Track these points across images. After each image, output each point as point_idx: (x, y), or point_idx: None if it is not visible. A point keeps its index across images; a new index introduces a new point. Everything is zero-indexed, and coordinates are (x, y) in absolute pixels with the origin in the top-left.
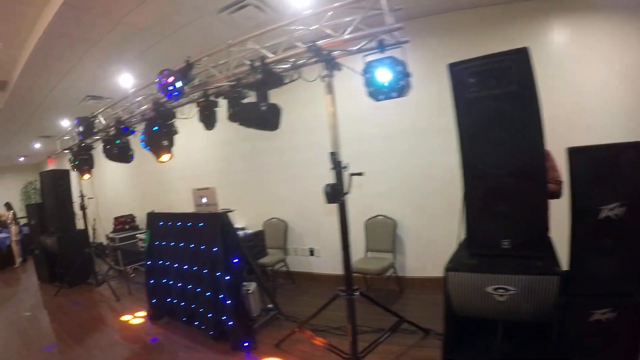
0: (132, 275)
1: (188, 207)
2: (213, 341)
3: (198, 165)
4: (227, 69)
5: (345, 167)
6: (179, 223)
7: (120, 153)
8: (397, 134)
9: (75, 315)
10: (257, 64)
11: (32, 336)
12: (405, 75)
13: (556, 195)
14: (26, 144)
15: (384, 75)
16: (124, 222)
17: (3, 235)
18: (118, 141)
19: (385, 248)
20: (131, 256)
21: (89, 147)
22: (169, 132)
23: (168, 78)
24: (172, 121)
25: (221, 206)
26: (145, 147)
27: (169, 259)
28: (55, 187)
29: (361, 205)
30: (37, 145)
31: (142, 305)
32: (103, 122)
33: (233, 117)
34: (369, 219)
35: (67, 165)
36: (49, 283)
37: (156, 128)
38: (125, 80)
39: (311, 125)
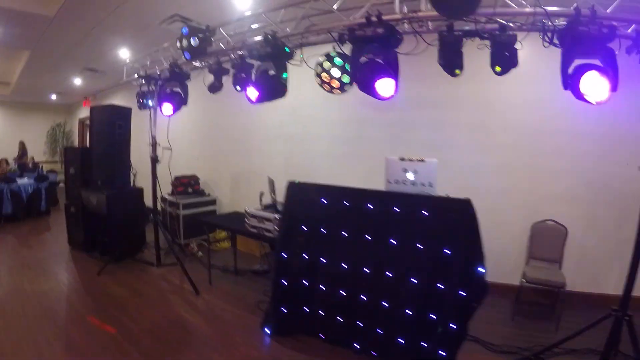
0: (200, 254)
1: (280, 178)
2: None
3: (304, 126)
4: None
5: None
6: (367, 204)
7: (275, 82)
8: (586, 136)
9: (139, 313)
10: None
11: (82, 349)
12: None
13: None
14: (65, 76)
15: None
16: (187, 184)
17: (26, 181)
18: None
19: (551, 257)
20: (193, 228)
21: (186, 75)
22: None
23: None
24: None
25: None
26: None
27: (324, 253)
28: (111, 128)
29: (524, 205)
30: (78, 81)
31: (238, 306)
32: (227, 37)
33: None
34: (537, 222)
35: None
36: (84, 252)
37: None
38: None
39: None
